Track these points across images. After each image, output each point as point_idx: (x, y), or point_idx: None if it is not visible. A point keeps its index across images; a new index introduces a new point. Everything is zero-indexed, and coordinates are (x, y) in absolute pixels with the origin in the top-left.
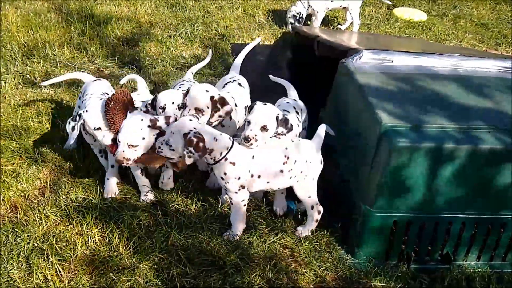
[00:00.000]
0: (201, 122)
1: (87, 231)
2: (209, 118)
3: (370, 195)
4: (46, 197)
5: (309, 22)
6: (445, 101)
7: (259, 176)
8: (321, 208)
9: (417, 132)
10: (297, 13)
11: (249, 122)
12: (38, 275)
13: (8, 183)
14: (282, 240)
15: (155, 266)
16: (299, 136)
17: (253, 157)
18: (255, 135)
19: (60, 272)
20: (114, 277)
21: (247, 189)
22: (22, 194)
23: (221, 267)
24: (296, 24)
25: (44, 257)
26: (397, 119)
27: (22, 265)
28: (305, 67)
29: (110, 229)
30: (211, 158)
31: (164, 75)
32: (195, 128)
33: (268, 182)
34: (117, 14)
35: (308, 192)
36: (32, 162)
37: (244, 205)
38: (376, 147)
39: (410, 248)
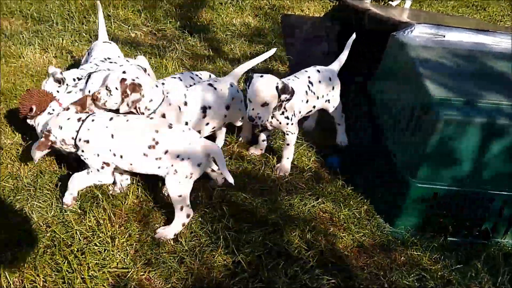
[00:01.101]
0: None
1: (137, 182)
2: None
3: (414, 166)
4: None
5: None
6: (496, 78)
7: (121, 156)
8: (191, 212)
9: (466, 106)
10: None
11: (249, 101)
12: (91, 219)
13: None
14: (322, 205)
15: (200, 219)
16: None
17: (112, 135)
18: (258, 113)
19: (111, 217)
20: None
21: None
22: None
23: (262, 225)
24: None
25: (97, 202)
26: (447, 92)
27: (75, 209)
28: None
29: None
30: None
31: (214, 41)
32: None
33: (131, 164)
34: None
35: (178, 190)
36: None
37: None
38: (424, 119)
39: (449, 221)
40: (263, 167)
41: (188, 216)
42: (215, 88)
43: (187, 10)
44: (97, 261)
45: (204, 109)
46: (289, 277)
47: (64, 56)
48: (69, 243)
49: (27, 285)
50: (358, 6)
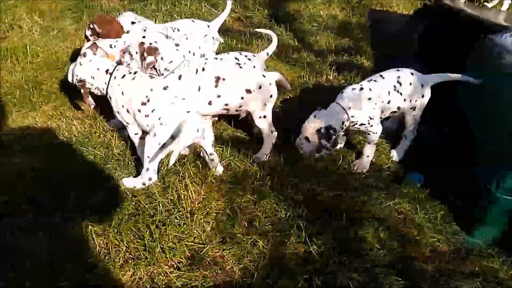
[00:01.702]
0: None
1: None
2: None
3: (500, 177)
4: None
5: None
6: None
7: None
8: (153, 176)
9: None
10: None
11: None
12: (173, 193)
13: None
14: (398, 206)
15: (274, 206)
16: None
17: (122, 92)
18: (301, 144)
19: (192, 193)
20: (237, 208)
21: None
22: None
23: (336, 219)
24: None
25: (179, 178)
26: None
27: (159, 181)
28: (443, 40)
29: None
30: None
31: (300, 32)
32: None
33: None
34: None
35: (149, 149)
36: None
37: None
38: None
39: None
40: (340, 161)
41: (150, 179)
42: (239, 64)
43: (276, 0)
44: (177, 234)
45: (218, 79)
46: (359, 273)
47: None
48: (152, 213)
49: (111, 248)
50: (452, 6)
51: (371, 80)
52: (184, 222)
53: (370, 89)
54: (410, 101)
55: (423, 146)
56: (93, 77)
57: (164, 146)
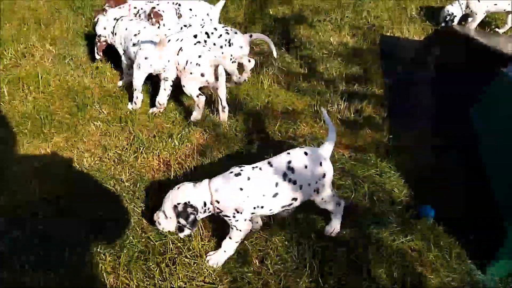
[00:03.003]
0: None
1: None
2: None
3: None
4: (195, 159)
5: (463, 23)
6: None
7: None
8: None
9: None
10: (450, 14)
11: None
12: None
13: (164, 140)
14: (411, 242)
15: (286, 243)
16: None
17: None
18: (158, 218)
19: (202, 230)
20: (248, 245)
21: None
22: (174, 153)
23: (349, 255)
24: (443, 23)
25: None
26: None
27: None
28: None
29: None
30: None
31: (310, 59)
32: None
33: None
34: None
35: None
36: (185, 124)
37: None
38: None
39: None
40: (353, 195)
41: None
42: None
43: (285, 25)
44: (187, 273)
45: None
46: None
47: None
48: (162, 251)
49: (121, 287)
50: (462, 33)
51: (256, 167)
52: (195, 261)
53: (248, 178)
54: (309, 185)
55: (435, 176)
56: (105, 28)
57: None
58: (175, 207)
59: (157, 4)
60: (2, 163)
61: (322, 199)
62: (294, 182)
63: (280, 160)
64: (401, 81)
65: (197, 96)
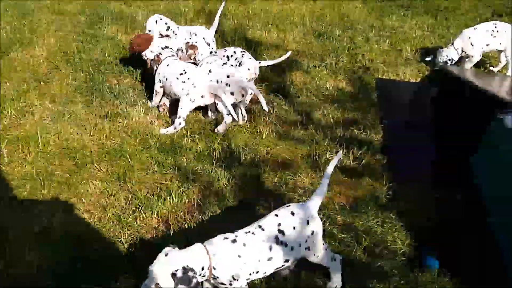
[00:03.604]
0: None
1: None
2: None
3: None
4: (194, 216)
5: (458, 63)
6: None
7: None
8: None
9: None
10: (449, 59)
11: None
12: None
13: (162, 198)
14: None
15: None
16: None
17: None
18: None
19: None
20: None
21: None
22: (173, 211)
23: None
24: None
25: None
26: None
27: None
28: (452, 109)
29: None
30: None
31: (307, 106)
32: None
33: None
34: (267, 41)
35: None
36: (184, 179)
37: None
38: None
39: None
40: (355, 249)
41: None
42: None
43: (281, 72)
44: None
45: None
46: None
47: (166, 117)
48: None
49: None
50: (459, 75)
51: (249, 232)
52: None
53: (244, 245)
54: (300, 245)
55: (438, 225)
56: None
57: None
58: (173, 274)
59: (176, 34)
60: (1, 228)
61: (315, 255)
62: (286, 244)
63: (270, 223)
64: (399, 126)
65: (227, 114)
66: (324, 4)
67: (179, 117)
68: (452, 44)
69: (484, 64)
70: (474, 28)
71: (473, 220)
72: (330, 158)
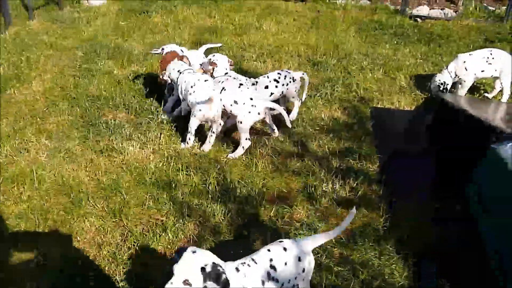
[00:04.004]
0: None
1: None
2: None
3: None
4: None
5: (453, 89)
6: None
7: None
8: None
9: None
10: (442, 83)
11: (172, 273)
12: None
13: (158, 234)
14: None
15: None
16: None
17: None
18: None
19: None
20: None
21: None
22: (169, 247)
23: None
24: (438, 93)
25: None
26: None
27: None
28: (448, 138)
29: None
30: None
31: (303, 136)
32: None
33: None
34: (263, 71)
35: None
36: (180, 215)
37: None
38: None
39: None
40: (352, 282)
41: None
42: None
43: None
44: None
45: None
46: None
47: (162, 151)
48: None
49: None
50: (453, 103)
51: (244, 263)
52: None
53: (245, 275)
54: (289, 281)
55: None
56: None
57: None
58: (203, 269)
59: (213, 56)
60: None
61: None
62: (277, 281)
63: (262, 257)
64: (394, 155)
65: (246, 139)
66: (319, 34)
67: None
68: (446, 67)
69: (478, 90)
70: (470, 54)
71: (471, 251)
72: (326, 190)
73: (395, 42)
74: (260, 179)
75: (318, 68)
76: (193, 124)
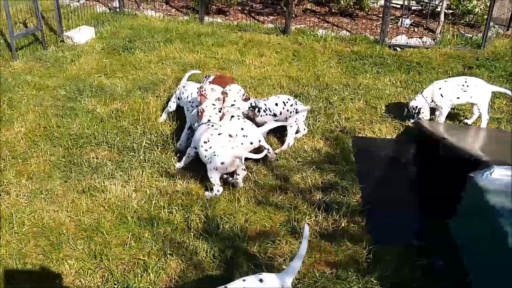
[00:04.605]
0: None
1: None
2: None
3: None
4: None
5: (432, 116)
6: None
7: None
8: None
9: None
10: (415, 108)
11: None
12: None
13: (139, 274)
14: None
15: None
16: None
17: None
18: None
19: None
20: None
21: None
22: (150, 287)
23: None
24: (411, 119)
25: None
26: None
27: None
28: (430, 166)
29: None
30: None
31: (286, 169)
32: None
33: None
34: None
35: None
36: (162, 253)
37: None
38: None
39: None
40: None
41: None
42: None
43: None
44: None
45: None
46: None
47: (144, 188)
48: None
49: None
50: (433, 131)
51: None
52: None
53: None
54: None
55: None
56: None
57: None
58: None
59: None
60: None
61: None
62: None
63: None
64: (376, 185)
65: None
66: (300, 66)
67: (215, 185)
68: (421, 93)
69: (458, 117)
70: (445, 81)
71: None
72: (309, 223)
73: (375, 71)
74: (243, 214)
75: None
76: (216, 178)
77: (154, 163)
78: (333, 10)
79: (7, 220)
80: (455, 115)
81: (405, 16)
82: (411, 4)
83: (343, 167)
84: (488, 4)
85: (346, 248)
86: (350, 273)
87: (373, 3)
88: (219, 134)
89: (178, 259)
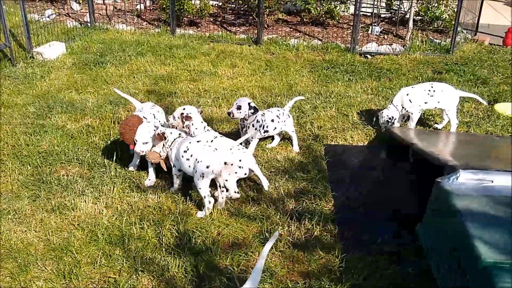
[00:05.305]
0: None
1: None
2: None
3: None
4: None
5: (405, 122)
6: None
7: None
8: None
9: None
10: (390, 118)
11: None
12: None
13: None
14: None
15: None
16: None
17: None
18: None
19: None
20: None
21: None
22: None
23: None
24: (383, 125)
25: None
26: (500, 253)
27: None
28: (400, 172)
29: None
30: None
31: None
32: None
33: None
34: (218, 116)
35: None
36: (133, 271)
37: None
38: (477, 286)
39: None
40: None
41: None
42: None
43: None
44: None
45: None
46: None
47: (115, 205)
48: None
49: None
50: (402, 137)
51: None
52: None
53: None
54: None
55: None
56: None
57: None
58: None
59: (184, 109)
60: None
61: None
62: None
63: None
64: (348, 192)
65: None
66: (273, 76)
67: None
68: (391, 102)
69: (429, 121)
70: (412, 87)
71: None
72: (282, 233)
73: (347, 79)
74: (215, 227)
75: None
76: (205, 187)
77: (125, 178)
78: (305, 20)
79: None
80: (425, 120)
81: (375, 24)
82: (380, 12)
83: (315, 175)
84: (455, 10)
85: (319, 257)
86: (323, 283)
87: (343, 11)
88: (197, 142)
89: (149, 276)
